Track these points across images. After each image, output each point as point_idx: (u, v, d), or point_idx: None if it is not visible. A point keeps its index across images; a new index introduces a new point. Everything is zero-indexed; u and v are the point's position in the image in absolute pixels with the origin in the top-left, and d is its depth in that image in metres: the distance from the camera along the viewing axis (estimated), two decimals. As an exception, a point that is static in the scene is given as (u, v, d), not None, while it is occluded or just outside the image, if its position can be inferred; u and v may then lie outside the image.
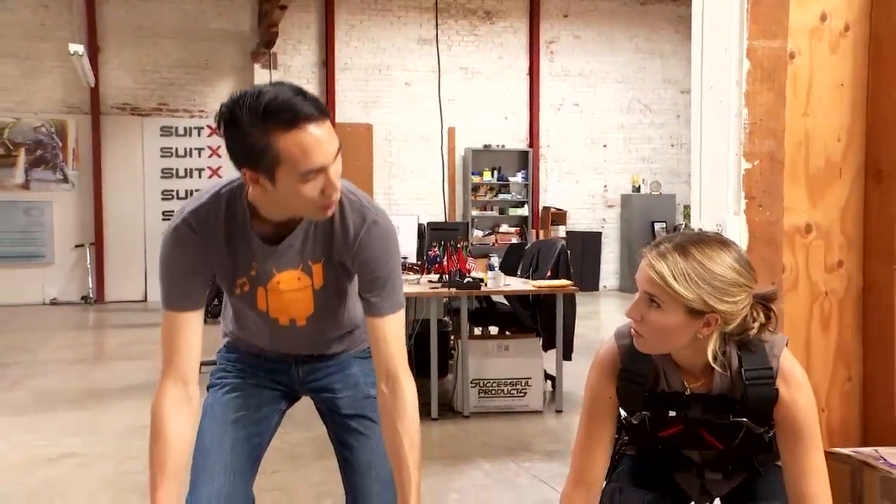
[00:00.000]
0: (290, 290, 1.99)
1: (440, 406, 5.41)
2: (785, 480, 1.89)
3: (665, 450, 2.03)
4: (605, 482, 2.02)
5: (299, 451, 4.59)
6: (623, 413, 2.01)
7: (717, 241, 1.85)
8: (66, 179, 12.26)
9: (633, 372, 1.94)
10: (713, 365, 1.85)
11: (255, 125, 1.69)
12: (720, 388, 1.88)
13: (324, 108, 1.75)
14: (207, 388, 2.20)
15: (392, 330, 1.98)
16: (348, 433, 2.18)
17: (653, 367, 1.93)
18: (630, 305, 1.85)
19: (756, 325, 1.85)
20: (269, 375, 2.20)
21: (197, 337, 1.95)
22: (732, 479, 2.05)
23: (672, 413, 1.92)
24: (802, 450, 1.85)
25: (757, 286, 1.86)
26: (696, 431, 1.92)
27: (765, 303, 1.87)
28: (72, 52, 9.36)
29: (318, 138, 1.72)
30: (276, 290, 1.99)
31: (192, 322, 1.93)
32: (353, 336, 2.22)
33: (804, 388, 1.86)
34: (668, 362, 1.92)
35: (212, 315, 9.34)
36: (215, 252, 1.93)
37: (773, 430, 1.91)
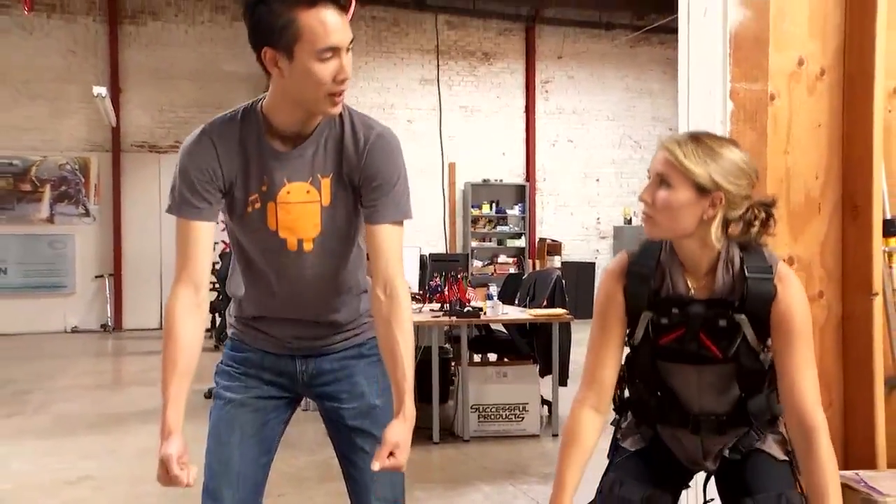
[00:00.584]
0: (299, 201, 1.96)
1: (441, 430, 5.38)
2: (779, 388, 1.90)
3: (663, 380, 2.01)
4: (613, 391, 2.02)
5: (305, 474, 4.55)
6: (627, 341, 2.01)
7: (728, 138, 1.97)
8: (87, 213, 12.30)
9: (640, 266, 1.97)
10: (717, 247, 1.88)
11: (280, 2, 1.77)
12: (721, 291, 1.89)
13: (345, 1, 1.82)
14: (211, 394, 2.16)
15: (391, 238, 1.97)
16: (354, 451, 2.13)
17: (659, 269, 1.95)
18: (642, 190, 1.91)
19: (757, 223, 1.88)
20: (274, 377, 2.11)
21: (208, 247, 1.97)
22: (726, 435, 2.00)
23: (675, 310, 1.91)
24: (796, 351, 1.86)
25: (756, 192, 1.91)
26: (697, 335, 1.90)
27: (765, 205, 1.90)
28: (95, 94, 9.46)
29: (336, 20, 1.79)
30: (285, 202, 1.96)
31: (205, 233, 1.95)
32: (357, 307, 2.13)
33: (800, 290, 1.90)
34: (673, 262, 1.94)
35: (218, 339, 9.32)
36: (231, 160, 1.94)
37: (769, 351, 1.91)
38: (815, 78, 2.66)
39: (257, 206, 1.97)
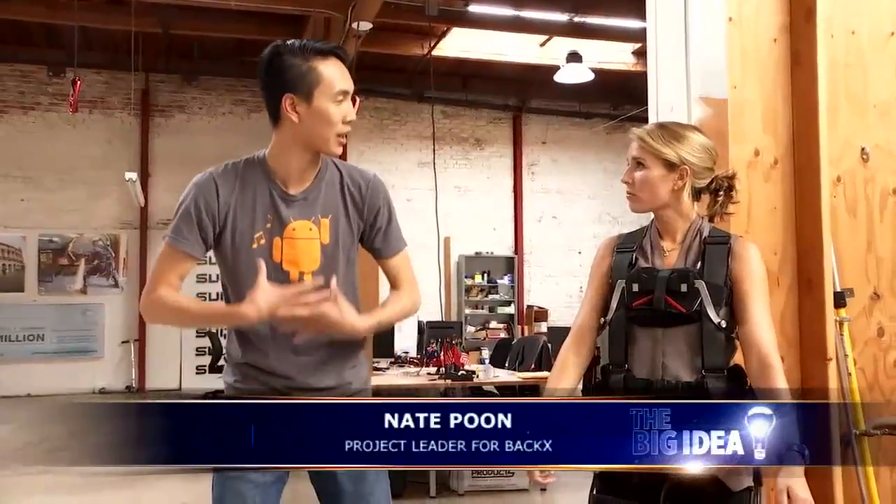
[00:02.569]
0: (303, 237, 2.01)
1: (438, 485, 5.30)
2: (740, 334, 1.97)
3: (633, 344, 2.02)
4: (594, 347, 2.11)
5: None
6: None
7: (692, 126, 2.13)
8: (116, 284, 12.30)
9: (624, 245, 2.10)
10: (690, 216, 2.01)
11: (299, 55, 1.92)
12: (686, 258, 2.00)
13: (347, 54, 2.01)
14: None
15: (399, 264, 2.14)
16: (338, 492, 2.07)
17: (639, 247, 2.07)
18: (624, 173, 2.09)
19: (722, 192, 2.04)
20: None
21: (181, 280, 2.05)
22: (684, 358, 1.96)
23: (645, 276, 1.99)
24: (754, 300, 1.96)
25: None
26: (663, 297, 1.95)
27: (727, 176, 2.06)
28: (127, 179, 9.55)
29: (344, 70, 1.97)
30: (290, 238, 2.01)
31: (185, 266, 2.03)
32: (354, 357, 2.10)
33: (755, 251, 2.01)
34: (653, 234, 2.07)
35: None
36: (232, 200, 2.00)
37: (728, 327, 1.93)
38: (769, 167, 2.72)
39: (262, 241, 2.01)
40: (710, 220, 2.07)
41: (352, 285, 2.11)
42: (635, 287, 2.00)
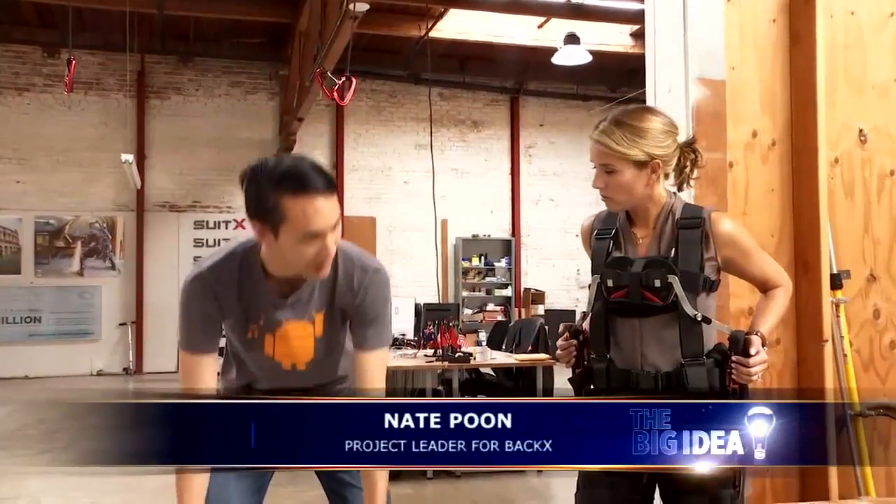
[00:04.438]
0: (296, 336, 1.97)
1: (436, 465, 5.33)
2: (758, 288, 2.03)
3: (613, 334, 2.03)
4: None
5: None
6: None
7: (644, 108, 2.05)
8: (113, 267, 12.29)
9: (602, 233, 2.07)
10: (662, 200, 1.98)
11: (270, 185, 1.72)
12: (659, 245, 1.97)
13: (332, 183, 1.77)
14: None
15: (373, 364, 1.97)
16: (342, 486, 2.12)
17: (616, 234, 2.04)
18: (593, 179, 2.00)
19: (689, 163, 2.00)
20: None
21: (213, 378, 1.96)
22: (664, 349, 1.96)
23: (619, 271, 1.97)
24: (750, 268, 1.99)
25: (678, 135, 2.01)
26: (638, 291, 1.94)
27: (690, 146, 2.01)
28: (123, 161, 9.52)
29: (320, 208, 1.73)
30: (283, 338, 1.96)
31: (209, 365, 1.93)
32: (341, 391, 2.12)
33: (729, 223, 1.98)
34: (626, 222, 2.04)
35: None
36: (229, 302, 1.91)
37: (702, 317, 1.91)
38: (767, 148, 2.72)
39: (255, 335, 1.97)
40: (679, 188, 2.03)
41: (341, 346, 2.09)
42: (609, 283, 1.98)
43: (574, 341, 2.08)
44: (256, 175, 1.76)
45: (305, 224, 1.72)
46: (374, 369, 1.97)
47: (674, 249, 1.94)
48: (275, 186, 1.72)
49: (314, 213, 1.72)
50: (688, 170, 2.00)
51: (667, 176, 2.00)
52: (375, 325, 1.97)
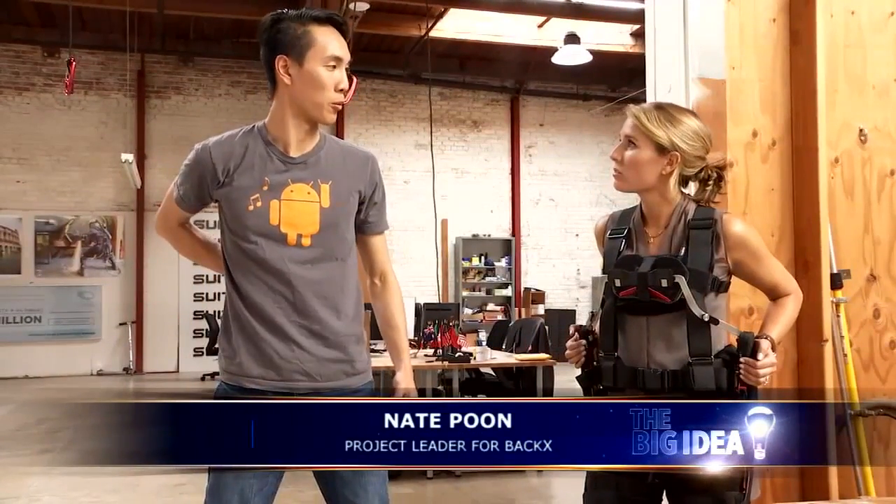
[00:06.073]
0: (301, 199, 2.01)
1: (436, 465, 5.33)
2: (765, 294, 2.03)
3: (621, 331, 2.03)
4: None
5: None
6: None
7: (688, 109, 2.08)
8: (113, 267, 12.29)
9: (621, 221, 2.10)
10: (674, 201, 1.97)
11: (297, 20, 1.98)
12: (670, 244, 1.97)
13: (347, 31, 2.05)
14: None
15: (382, 245, 2.20)
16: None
17: (628, 234, 2.05)
18: (613, 150, 2.02)
19: (711, 182, 1.99)
20: None
21: (178, 224, 2.23)
22: (671, 348, 1.95)
23: (627, 271, 1.97)
24: (760, 272, 1.98)
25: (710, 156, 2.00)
26: (647, 290, 1.94)
27: (718, 167, 2.01)
28: (123, 160, 9.52)
29: (340, 40, 2.00)
30: (288, 200, 2.01)
31: (182, 216, 2.18)
32: (355, 334, 2.07)
33: (740, 225, 1.97)
34: (638, 219, 2.06)
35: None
36: (228, 160, 2.02)
37: (710, 317, 1.90)
38: (767, 148, 2.72)
39: (259, 204, 1.99)
40: (697, 203, 2.02)
41: (351, 253, 2.11)
42: (618, 282, 1.99)
43: (583, 341, 2.08)
44: (282, 16, 2.00)
45: (331, 48, 1.97)
46: (384, 250, 2.20)
47: (684, 249, 1.95)
48: (303, 19, 1.98)
49: (337, 40, 1.99)
50: (710, 188, 2.00)
51: (686, 184, 1.99)
52: (380, 208, 2.16)
